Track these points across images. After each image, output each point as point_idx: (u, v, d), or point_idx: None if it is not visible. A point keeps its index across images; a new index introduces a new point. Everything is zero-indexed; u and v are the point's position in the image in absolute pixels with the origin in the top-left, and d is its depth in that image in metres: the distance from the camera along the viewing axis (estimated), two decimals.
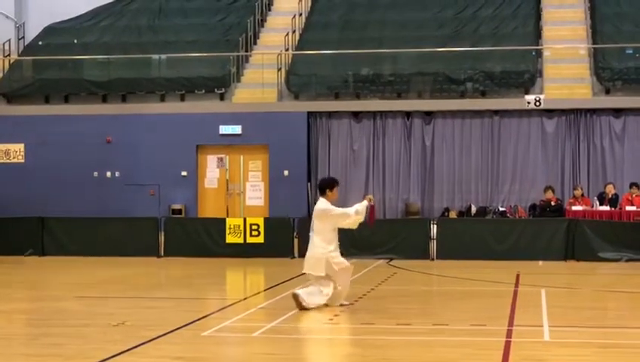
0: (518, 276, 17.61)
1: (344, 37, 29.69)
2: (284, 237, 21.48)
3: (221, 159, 27.73)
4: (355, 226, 13.96)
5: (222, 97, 28.28)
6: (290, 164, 27.18)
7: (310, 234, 13.84)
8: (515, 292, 15.44)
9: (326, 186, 13.91)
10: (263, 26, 31.56)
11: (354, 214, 13.66)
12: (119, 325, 12.13)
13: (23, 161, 28.13)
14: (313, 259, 13.63)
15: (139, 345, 10.74)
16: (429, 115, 27.41)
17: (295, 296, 13.38)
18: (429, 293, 16.44)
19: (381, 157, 27.48)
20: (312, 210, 14.34)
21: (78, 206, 26.13)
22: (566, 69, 27.58)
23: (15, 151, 28.13)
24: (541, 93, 26.63)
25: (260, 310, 13.94)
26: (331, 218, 13.61)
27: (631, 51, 27.73)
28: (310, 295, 13.44)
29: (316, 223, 13.72)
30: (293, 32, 30.33)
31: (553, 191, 24.50)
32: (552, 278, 17.80)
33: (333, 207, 13.70)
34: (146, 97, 28.47)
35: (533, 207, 25.55)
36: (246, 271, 20.04)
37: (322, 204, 13.76)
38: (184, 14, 31.95)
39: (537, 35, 29.06)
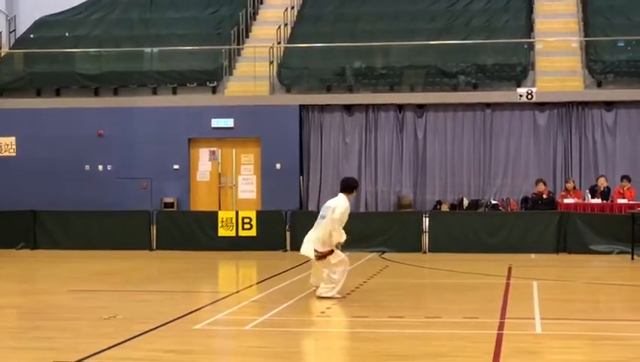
0: (510, 269, 17.63)
1: (336, 30, 29.68)
2: (277, 230, 21.48)
3: (213, 152, 27.70)
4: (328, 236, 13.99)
5: (214, 90, 28.24)
6: (283, 157, 27.17)
7: (319, 220, 13.95)
8: (507, 285, 15.47)
9: (355, 187, 14.47)
10: (254, 19, 31.52)
11: (341, 237, 13.87)
12: (111, 318, 12.12)
13: (14, 154, 28.06)
14: (319, 240, 13.79)
15: (131, 339, 10.73)
16: (421, 108, 27.41)
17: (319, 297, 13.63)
18: (422, 286, 16.45)
19: (373, 150, 27.48)
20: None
21: (70, 199, 26.05)
22: (558, 62, 27.60)
23: (6, 145, 28.07)
24: (533, 86, 26.65)
25: (253, 303, 13.94)
26: (333, 220, 13.76)
27: (623, 44, 27.75)
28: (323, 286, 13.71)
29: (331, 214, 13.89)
30: (285, 25, 30.30)
31: (545, 183, 24.52)
32: (544, 271, 17.83)
33: (341, 218, 13.85)
34: (138, 90, 28.43)
35: (525, 199, 25.58)
36: (238, 264, 20.04)
37: (346, 202, 14.00)
38: (176, 7, 31.89)
39: (529, 28, 29.07)
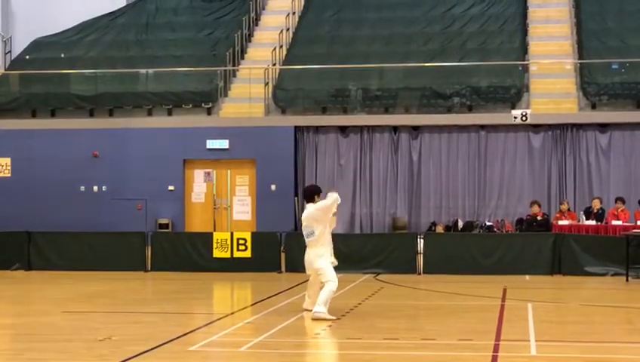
0: (504, 290, 17.63)
1: (331, 52, 29.78)
2: (272, 251, 21.43)
3: (208, 173, 27.72)
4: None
5: (209, 112, 28.29)
6: (278, 178, 27.19)
7: (309, 238, 14.13)
8: (502, 307, 15.46)
9: (315, 192, 14.47)
10: (250, 41, 31.62)
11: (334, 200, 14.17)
12: (105, 340, 12.09)
13: (9, 175, 28.06)
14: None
15: (125, 360, 10.70)
16: (416, 130, 27.48)
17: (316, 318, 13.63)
18: (416, 308, 16.43)
19: (368, 171, 27.51)
20: (299, 224, 14.62)
21: (64, 220, 26.06)
22: (552, 84, 27.70)
23: (1, 166, 28.07)
24: (527, 107, 26.73)
25: (247, 325, 13.92)
26: (327, 210, 14.12)
27: (616, 66, 27.86)
28: (318, 304, 13.73)
29: (316, 227, 14.08)
30: (281, 46, 30.39)
31: (539, 205, 24.58)
32: (539, 293, 17.83)
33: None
34: (133, 112, 28.47)
35: (519, 221, 25.61)
36: (233, 285, 20.01)
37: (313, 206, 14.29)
38: (171, 29, 31.98)
39: (524, 50, 29.18)
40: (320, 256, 14.01)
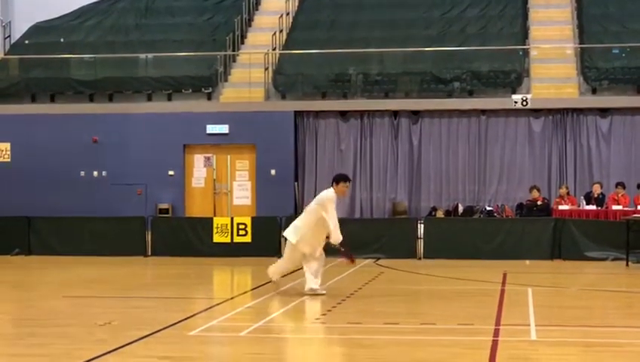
0: (504, 275, 17.64)
1: (331, 36, 29.71)
2: (272, 236, 21.42)
3: (208, 158, 27.70)
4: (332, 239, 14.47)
5: (209, 97, 28.25)
6: (277, 163, 27.18)
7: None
8: (502, 292, 15.47)
9: (345, 179, 14.78)
10: (250, 26, 31.55)
11: (334, 230, 14.34)
12: (106, 324, 12.09)
13: (9, 160, 28.03)
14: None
15: (125, 345, 10.71)
16: (416, 115, 27.45)
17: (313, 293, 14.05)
18: (417, 293, 16.44)
19: (368, 156, 27.50)
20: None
21: (64, 205, 26.04)
22: (553, 69, 27.66)
23: (1, 151, 28.04)
24: (528, 92, 26.70)
25: (247, 309, 13.92)
26: (323, 212, 14.29)
27: (617, 51, 27.82)
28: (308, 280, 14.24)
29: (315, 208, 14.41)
30: (281, 31, 30.33)
31: (538, 190, 24.56)
32: (539, 277, 17.84)
33: (332, 207, 14.35)
34: (133, 97, 28.43)
35: (520, 206, 25.60)
36: (233, 270, 20.02)
37: (330, 193, 14.52)
38: (171, 13, 31.91)
39: (524, 35, 29.13)
40: (299, 234, 14.35)
